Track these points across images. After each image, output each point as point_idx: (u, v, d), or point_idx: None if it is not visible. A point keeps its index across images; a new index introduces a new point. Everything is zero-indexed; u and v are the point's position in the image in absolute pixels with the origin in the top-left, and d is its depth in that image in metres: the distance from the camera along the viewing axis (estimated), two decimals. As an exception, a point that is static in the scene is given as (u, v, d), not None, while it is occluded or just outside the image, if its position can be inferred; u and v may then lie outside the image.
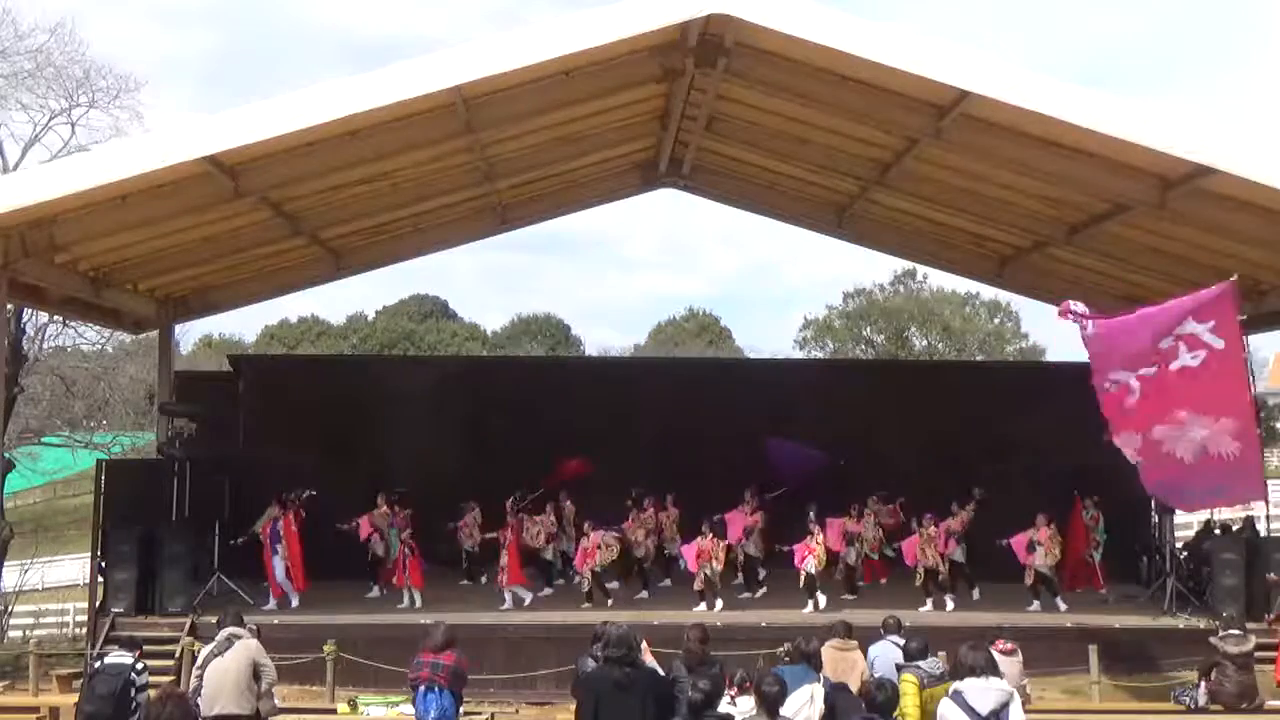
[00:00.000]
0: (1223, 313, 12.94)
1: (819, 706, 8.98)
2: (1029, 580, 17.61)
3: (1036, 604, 17.52)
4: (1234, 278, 13.29)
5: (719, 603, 17.09)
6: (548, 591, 18.62)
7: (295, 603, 17.46)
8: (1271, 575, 16.33)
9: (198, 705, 9.27)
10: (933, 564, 17.66)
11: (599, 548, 17.56)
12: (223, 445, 20.12)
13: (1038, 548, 17.45)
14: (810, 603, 17.10)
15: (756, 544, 18.36)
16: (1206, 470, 12.91)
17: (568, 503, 19.29)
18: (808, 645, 9.92)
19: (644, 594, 18.32)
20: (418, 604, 17.51)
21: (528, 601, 17.50)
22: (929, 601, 17.49)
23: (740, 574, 18.42)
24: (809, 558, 17.18)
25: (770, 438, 19.89)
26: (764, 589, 18.25)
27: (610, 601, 17.36)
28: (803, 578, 17.21)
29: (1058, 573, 17.89)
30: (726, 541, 17.48)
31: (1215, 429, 12.78)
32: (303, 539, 17.71)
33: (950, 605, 17.46)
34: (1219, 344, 12.88)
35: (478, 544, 19.23)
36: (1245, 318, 19.26)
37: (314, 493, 18.14)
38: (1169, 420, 12.90)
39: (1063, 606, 17.47)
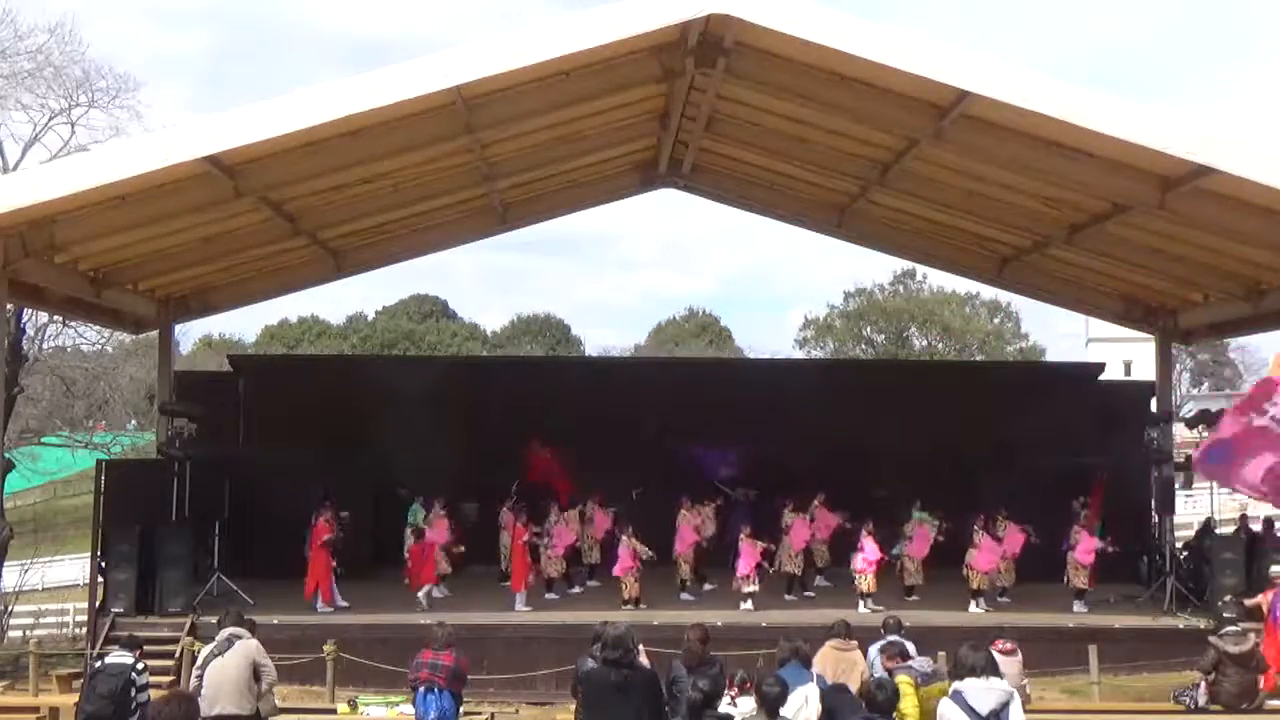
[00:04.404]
0: None
1: (815, 707, 8.98)
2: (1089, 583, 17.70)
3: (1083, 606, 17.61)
4: None
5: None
6: (577, 590, 18.74)
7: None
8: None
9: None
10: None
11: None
12: (223, 445, 20.14)
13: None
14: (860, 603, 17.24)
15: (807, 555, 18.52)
16: None
17: (596, 507, 19.25)
18: (792, 642, 9.93)
19: (688, 597, 18.29)
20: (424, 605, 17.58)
21: (516, 606, 17.38)
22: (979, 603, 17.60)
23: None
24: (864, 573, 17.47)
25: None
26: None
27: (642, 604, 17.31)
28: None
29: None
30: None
31: None
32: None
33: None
34: None
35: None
36: (1245, 318, 19.49)
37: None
38: None
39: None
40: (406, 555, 18.18)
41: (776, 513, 18.82)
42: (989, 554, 17.63)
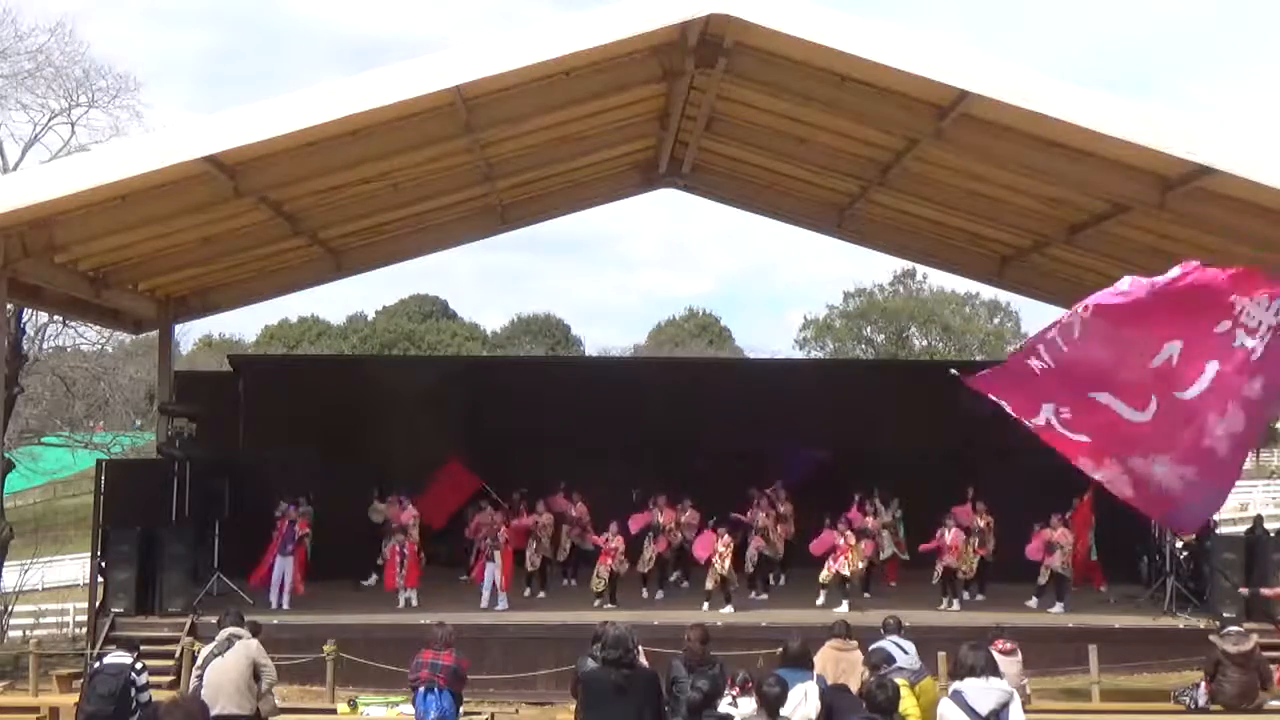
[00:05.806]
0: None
1: (814, 704, 8.98)
2: (1044, 580, 17.65)
3: (1035, 601, 17.53)
4: None
5: (729, 606, 17.08)
6: (541, 594, 18.58)
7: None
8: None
9: (198, 706, 9.26)
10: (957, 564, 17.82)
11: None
12: (223, 445, 20.14)
13: (1057, 549, 17.49)
14: (845, 602, 17.10)
15: (772, 546, 18.42)
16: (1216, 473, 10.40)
17: (579, 503, 19.20)
18: (794, 643, 9.91)
19: (660, 594, 18.29)
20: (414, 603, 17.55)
21: (500, 606, 17.32)
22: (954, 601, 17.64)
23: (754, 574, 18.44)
24: (842, 559, 17.31)
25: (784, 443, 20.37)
26: (765, 595, 18.28)
27: (611, 603, 17.30)
28: (830, 576, 17.38)
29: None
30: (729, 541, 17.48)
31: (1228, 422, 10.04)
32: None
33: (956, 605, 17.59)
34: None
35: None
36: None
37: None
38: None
39: (1059, 609, 17.49)
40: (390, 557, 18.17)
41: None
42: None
